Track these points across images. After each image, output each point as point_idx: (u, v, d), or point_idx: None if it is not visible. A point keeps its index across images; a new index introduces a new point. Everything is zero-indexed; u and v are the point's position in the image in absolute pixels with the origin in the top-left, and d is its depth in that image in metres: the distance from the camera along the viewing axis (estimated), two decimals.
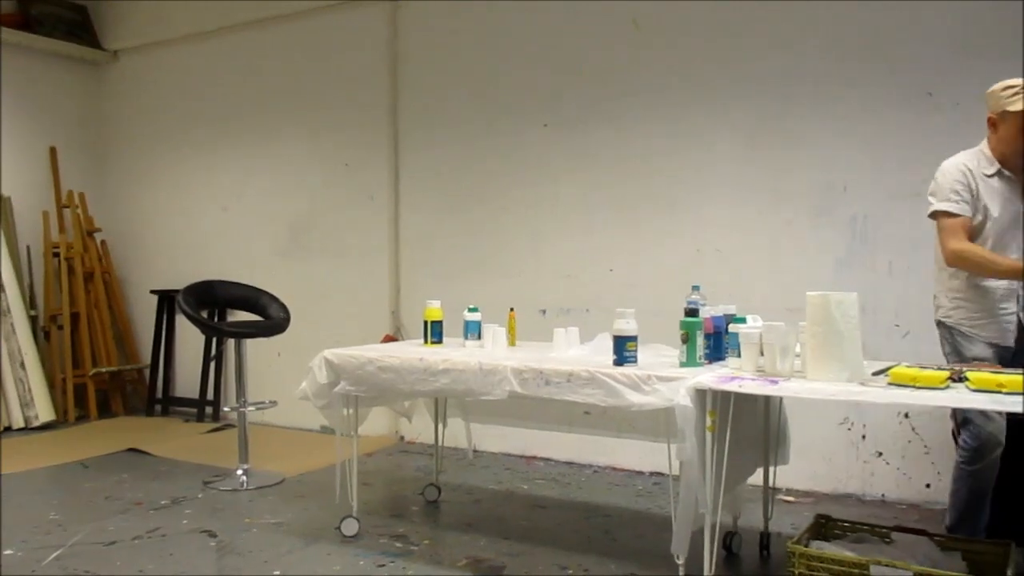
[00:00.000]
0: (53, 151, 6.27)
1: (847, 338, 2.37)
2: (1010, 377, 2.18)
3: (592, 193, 4.59)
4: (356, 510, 3.34)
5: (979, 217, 2.89)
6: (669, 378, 2.46)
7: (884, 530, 2.82)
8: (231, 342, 4.92)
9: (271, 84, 5.73)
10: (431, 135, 5.14)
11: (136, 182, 6.49)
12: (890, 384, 2.30)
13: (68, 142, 6.39)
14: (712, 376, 2.45)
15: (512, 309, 3.46)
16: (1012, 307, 2.93)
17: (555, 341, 3.19)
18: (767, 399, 2.91)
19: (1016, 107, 2.78)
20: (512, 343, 3.37)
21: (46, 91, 6.26)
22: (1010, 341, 2.94)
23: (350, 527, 3.34)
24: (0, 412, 5.50)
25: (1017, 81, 2.80)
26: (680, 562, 2.51)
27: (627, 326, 2.67)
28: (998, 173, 2.90)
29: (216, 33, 5.93)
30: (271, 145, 5.77)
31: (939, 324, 3.03)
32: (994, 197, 2.89)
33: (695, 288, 2.92)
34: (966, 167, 2.91)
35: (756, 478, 3.05)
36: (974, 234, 2.89)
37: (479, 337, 3.34)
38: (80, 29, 6.41)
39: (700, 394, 2.39)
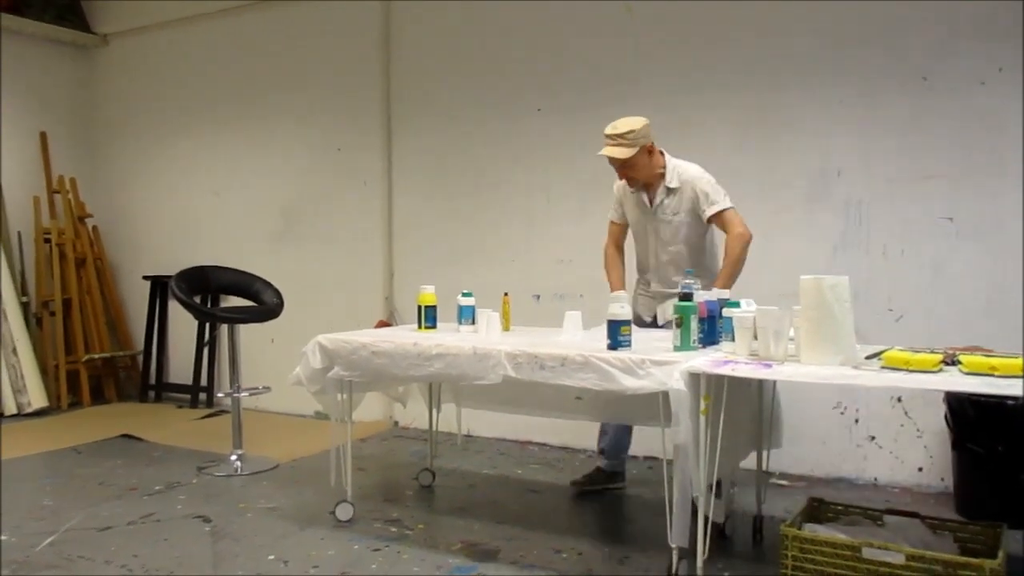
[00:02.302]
0: (43, 136, 6.21)
1: (840, 322, 2.37)
2: (1003, 360, 2.19)
3: (586, 178, 4.57)
4: (350, 495, 3.34)
5: None
6: (663, 362, 2.46)
7: (876, 513, 2.84)
8: (224, 328, 4.89)
9: (264, 68, 5.68)
10: (425, 120, 5.11)
11: (127, 167, 6.44)
12: (883, 368, 2.31)
13: (58, 127, 6.33)
14: (706, 360, 2.46)
15: (506, 294, 3.45)
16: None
17: (565, 324, 3.16)
18: (761, 383, 2.92)
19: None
20: (506, 328, 3.36)
21: (36, 75, 6.20)
22: None
23: (344, 512, 3.34)
24: None
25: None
26: (675, 546, 2.52)
27: (621, 311, 2.67)
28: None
29: (208, 17, 5.87)
30: (263, 130, 5.73)
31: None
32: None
33: (689, 273, 2.93)
34: None
35: (750, 462, 3.06)
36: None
37: (473, 322, 3.33)
38: (70, 13, 6.35)
39: (694, 378, 2.40)
